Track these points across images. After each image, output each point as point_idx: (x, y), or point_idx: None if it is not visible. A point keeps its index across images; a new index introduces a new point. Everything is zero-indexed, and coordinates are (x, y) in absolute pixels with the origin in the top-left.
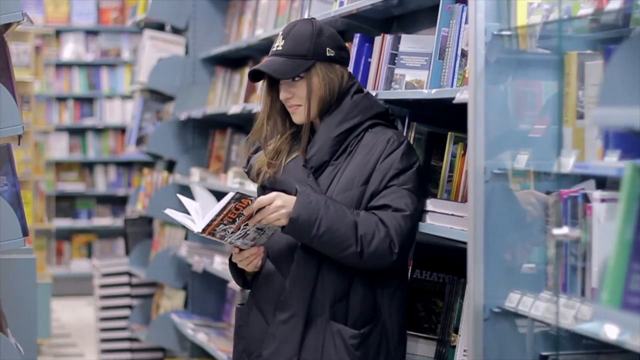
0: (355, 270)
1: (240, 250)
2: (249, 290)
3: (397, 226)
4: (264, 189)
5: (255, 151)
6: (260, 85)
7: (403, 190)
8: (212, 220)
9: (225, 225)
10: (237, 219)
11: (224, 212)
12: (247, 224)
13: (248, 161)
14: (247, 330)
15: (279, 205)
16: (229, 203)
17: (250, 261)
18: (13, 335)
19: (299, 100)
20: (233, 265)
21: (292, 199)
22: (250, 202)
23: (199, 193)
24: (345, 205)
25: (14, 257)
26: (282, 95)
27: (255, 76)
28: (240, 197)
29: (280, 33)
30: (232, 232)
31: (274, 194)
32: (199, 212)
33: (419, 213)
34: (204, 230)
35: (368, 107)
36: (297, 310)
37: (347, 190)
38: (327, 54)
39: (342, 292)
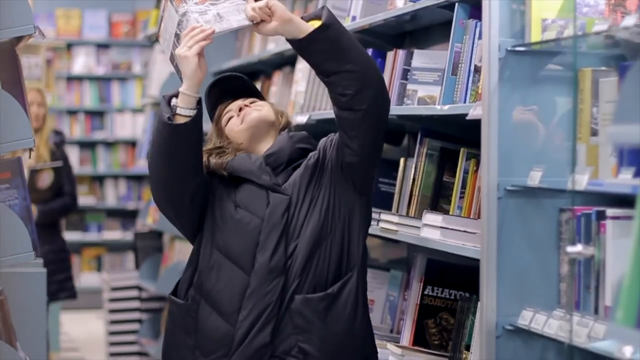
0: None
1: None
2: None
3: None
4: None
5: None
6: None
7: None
8: None
9: None
10: None
11: None
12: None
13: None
14: (201, 328)
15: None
16: None
17: (192, 38)
18: (23, 349)
19: (261, 105)
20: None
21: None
22: None
23: None
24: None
25: (24, 270)
26: (244, 101)
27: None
28: None
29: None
30: (196, 3)
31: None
32: None
33: None
34: None
35: None
36: (267, 303)
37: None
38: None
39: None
